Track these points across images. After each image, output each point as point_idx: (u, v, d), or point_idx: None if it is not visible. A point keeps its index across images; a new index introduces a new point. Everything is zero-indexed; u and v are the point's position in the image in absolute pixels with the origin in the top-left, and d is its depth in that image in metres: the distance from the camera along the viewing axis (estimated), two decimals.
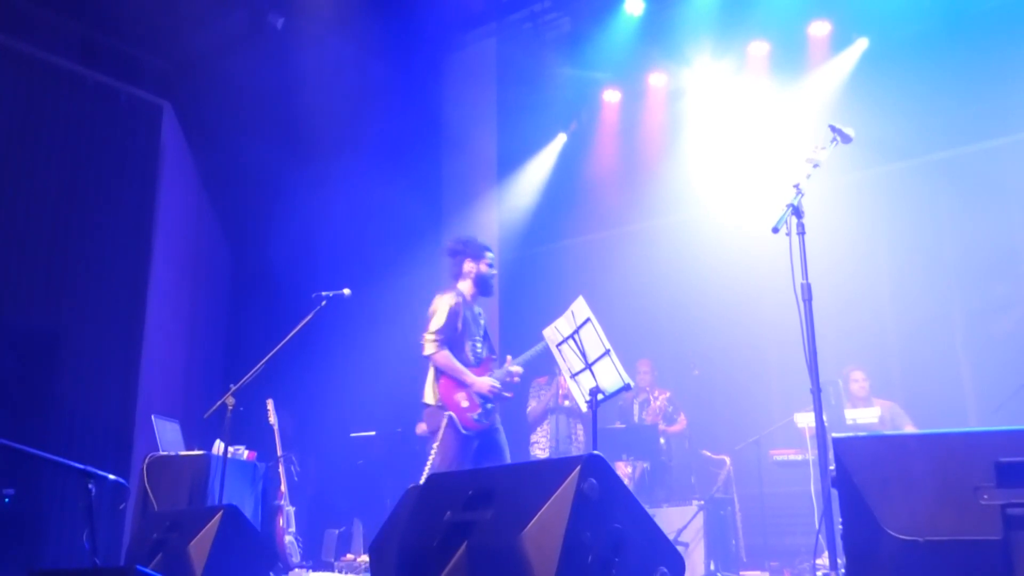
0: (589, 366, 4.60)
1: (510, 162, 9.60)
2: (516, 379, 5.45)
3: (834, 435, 2.43)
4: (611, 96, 9.33)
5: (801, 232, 3.81)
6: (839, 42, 8.30)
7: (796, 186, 3.88)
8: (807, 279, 3.73)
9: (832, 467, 2.35)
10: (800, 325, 3.66)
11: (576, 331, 4.62)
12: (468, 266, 5.50)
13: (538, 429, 7.57)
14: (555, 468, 2.84)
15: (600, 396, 4.58)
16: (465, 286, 5.48)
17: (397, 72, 8.83)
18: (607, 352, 4.50)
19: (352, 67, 8.45)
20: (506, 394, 5.38)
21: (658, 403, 7.71)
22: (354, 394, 8.27)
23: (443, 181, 9.33)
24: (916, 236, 8.10)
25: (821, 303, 3.72)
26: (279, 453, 6.38)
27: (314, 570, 7.10)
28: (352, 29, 8.35)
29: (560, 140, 9.76)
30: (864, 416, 6.78)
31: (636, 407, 7.79)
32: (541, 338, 5.06)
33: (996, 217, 7.75)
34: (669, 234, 8.96)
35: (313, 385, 8.20)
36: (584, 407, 4.70)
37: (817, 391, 3.61)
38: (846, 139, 4.05)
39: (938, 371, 7.90)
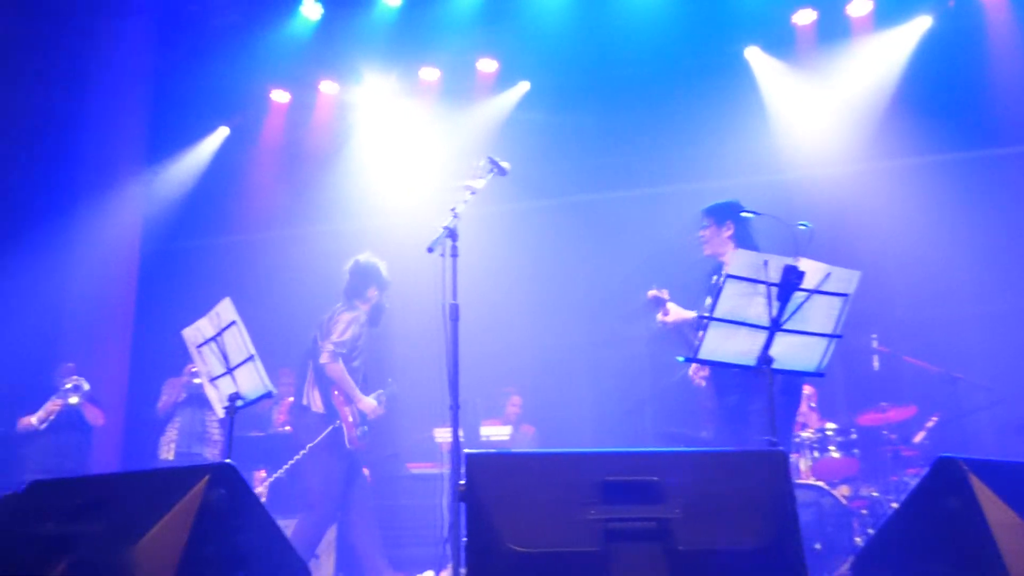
0: (231, 370, 4.40)
1: (163, 148, 8.95)
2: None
3: (467, 451, 2.52)
4: (280, 96, 9.09)
5: (454, 254, 3.97)
6: (504, 81, 8.82)
7: (453, 210, 4.03)
8: (456, 300, 3.88)
9: (463, 482, 2.43)
10: (445, 343, 3.80)
11: (219, 333, 4.40)
12: (372, 292, 5.73)
13: (168, 427, 7.05)
14: (181, 476, 2.66)
15: (240, 402, 4.41)
16: (364, 310, 5.70)
17: (33, 30, 7.87)
18: (251, 357, 4.33)
19: None
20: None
21: (290, 401, 7.56)
22: None
23: (81, 158, 8.46)
24: (554, 269, 8.80)
25: (466, 324, 3.88)
26: None
27: None
28: None
29: (222, 133, 9.30)
30: (497, 433, 7.19)
31: (275, 415, 7.58)
32: (181, 340, 4.75)
33: (619, 261, 8.65)
34: (324, 242, 8.88)
35: None
36: (221, 412, 4.50)
37: (455, 408, 3.76)
38: (502, 172, 4.29)
39: (565, 395, 8.63)
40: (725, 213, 4.84)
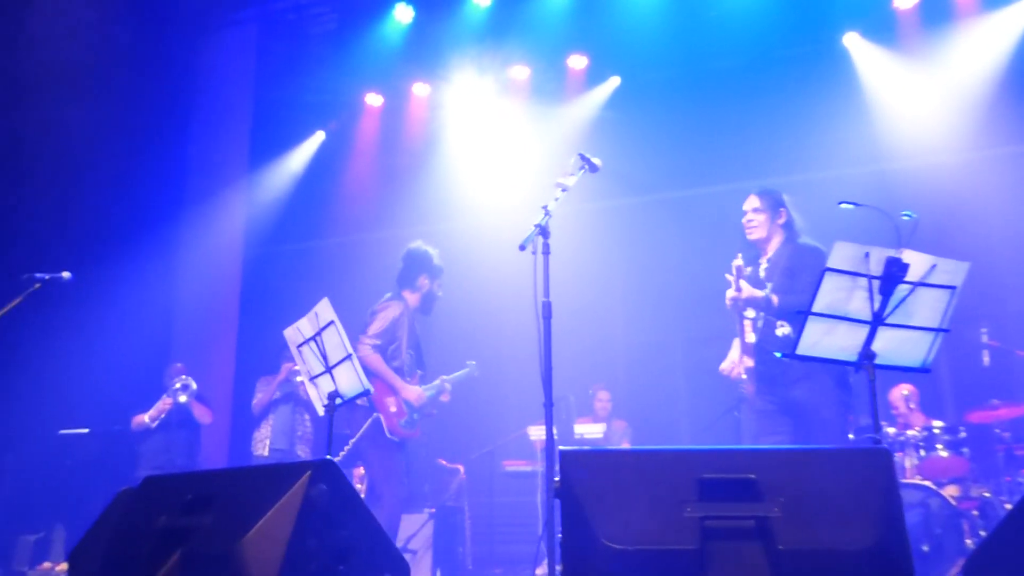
0: (329, 369, 4.51)
1: (263, 154, 9.26)
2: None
3: (561, 448, 2.52)
4: (373, 100, 9.27)
5: (546, 252, 3.96)
6: (595, 77, 8.79)
7: (544, 208, 4.03)
8: (548, 298, 3.89)
9: (557, 479, 2.43)
10: (538, 341, 3.80)
11: (318, 333, 4.51)
12: (423, 281, 5.78)
13: (263, 424, 7.28)
14: (284, 473, 2.75)
15: (339, 400, 4.51)
16: (413, 298, 5.78)
17: (144, 43, 8.23)
18: (349, 356, 4.43)
19: (93, 32, 7.76)
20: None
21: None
22: (68, 389, 7.56)
23: (188, 166, 8.80)
24: (647, 266, 8.71)
25: (559, 322, 3.87)
26: None
27: None
28: None
29: (318, 138, 9.55)
30: (591, 431, 7.17)
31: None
32: (283, 339, 4.90)
33: (714, 256, 8.49)
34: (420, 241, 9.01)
35: (19, 377, 7.41)
36: (321, 411, 4.61)
37: (549, 405, 3.76)
38: (593, 168, 4.26)
39: (659, 392, 8.54)
40: (780, 200, 4.73)
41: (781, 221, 4.71)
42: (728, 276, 4.52)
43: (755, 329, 4.55)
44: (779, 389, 4.51)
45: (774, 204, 4.73)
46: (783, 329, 4.47)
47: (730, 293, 4.50)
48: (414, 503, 7.26)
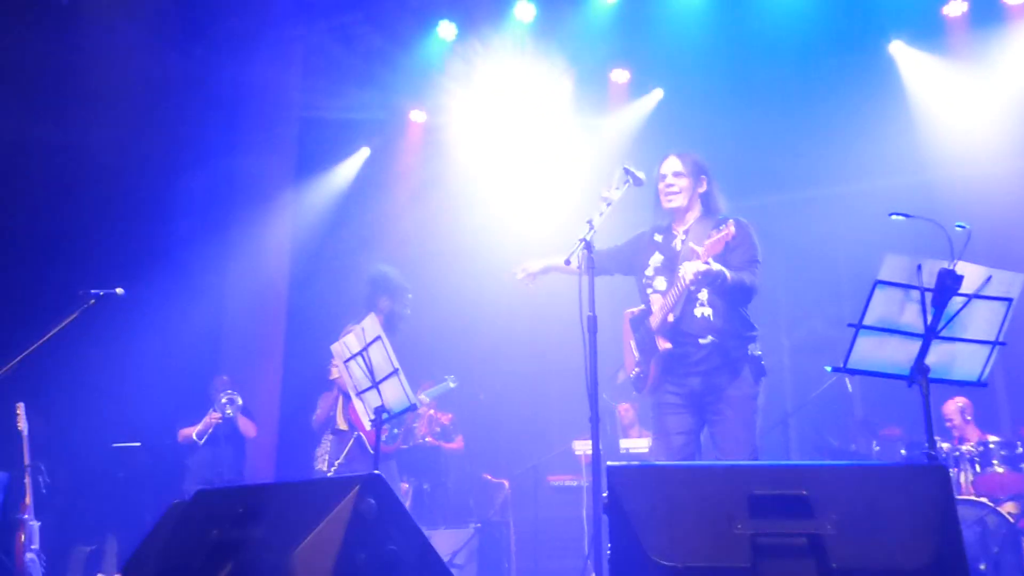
0: (376, 384, 4.54)
1: (309, 170, 9.38)
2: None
3: (609, 463, 2.51)
4: (417, 116, 9.35)
5: (591, 266, 3.96)
6: (637, 89, 8.77)
7: (589, 222, 4.02)
8: (594, 311, 3.87)
9: (605, 494, 2.42)
10: (583, 355, 3.79)
11: (365, 348, 4.55)
12: (384, 303, 5.56)
13: (323, 440, 7.33)
14: (333, 487, 2.77)
15: (385, 415, 4.54)
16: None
17: (195, 63, 8.41)
18: (395, 371, 4.46)
19: (144, 53, 7.96)
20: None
21: (431, 414, 7.68)
22: (119, 402, 7.71)
23: (236, 182, 8.94)
24: None
25: (604, 336, 3.86)
26: (26, 462, 5.83)
27: None
28: (146, 14, 7.90)
29: (363, 153, 9.65)
30: (637, 445, 7.12)
31: (417, 427, 7.76)
32: (330, 354, 4.96)
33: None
34: (464, 257, 9.04)
35: (73, 390, 7.58)
36: (368, 425, 4.65)
37: (595, 419, 3.74)
38: (638, 182, 4.22)
39: None
40: (704, 166, 4.38)
41: (702, 190, 4.35)
42: (695, 246, 4.06)
43: (672, 309, 4.18)
44: (690, 377, 4.17)
45: (697, 170, 4.36)
46: (703, 309, 4.15)
47: (700, 267, 3.93)
48: (459, 518, 7.27)
